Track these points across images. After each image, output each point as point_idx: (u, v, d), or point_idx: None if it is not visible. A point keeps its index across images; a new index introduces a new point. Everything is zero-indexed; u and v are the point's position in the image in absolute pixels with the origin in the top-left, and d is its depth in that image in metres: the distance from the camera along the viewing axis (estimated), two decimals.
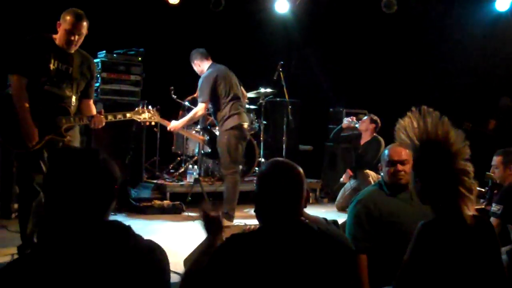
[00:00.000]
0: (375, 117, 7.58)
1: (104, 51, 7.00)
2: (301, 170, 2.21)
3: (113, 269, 1.72)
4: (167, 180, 7.48)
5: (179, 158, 7.89)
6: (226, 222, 5.88)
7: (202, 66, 6.31)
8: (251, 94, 8.20)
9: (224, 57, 6.83)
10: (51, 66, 4.17)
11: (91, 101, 4.55)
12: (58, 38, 4.20)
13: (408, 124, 2.60)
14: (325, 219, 3.36)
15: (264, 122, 8.32)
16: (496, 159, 4.60)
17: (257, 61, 9.17)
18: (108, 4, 7.68)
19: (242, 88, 6.55)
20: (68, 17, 4.15)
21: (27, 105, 4.05)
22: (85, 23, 4.20)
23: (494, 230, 2.60)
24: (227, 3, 8.55)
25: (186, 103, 7.59)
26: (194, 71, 6.66)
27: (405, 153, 3.45)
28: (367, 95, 9.50)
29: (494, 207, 4.30)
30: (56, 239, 1.73)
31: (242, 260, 2.01)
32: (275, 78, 7.90)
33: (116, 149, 6.77)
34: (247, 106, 7.88)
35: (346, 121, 7.78)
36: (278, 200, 2.13)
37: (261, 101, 8.27)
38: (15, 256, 4.08)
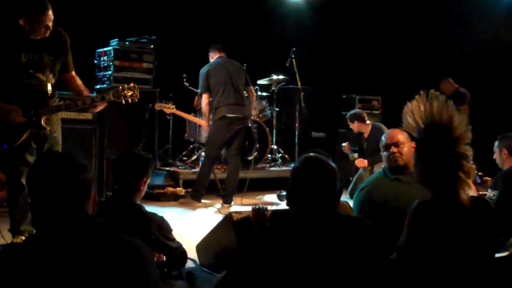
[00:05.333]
0: (351, 115, 7.40)
1: (116, 39, 7.02)
2: (333, 164, 2.27)
3: (90, 263, 1.76)
4: (180, 167, 7.52)
5: (191, 146, 7.93)
6: (191, 200, 6.49)
7: (212, 58, 6.74)
8: (263, 81, 8.23)
9: (236, 44, 6.88)
10: (22, 60, 4.07)
11: (73, 73, 4.37)
12: (26, 27, 4.02)
13: (415, 108, 2.66)
14: (347, 202, 3.41)
15: (277, 109, 8.32)
16: (495, 145, 4.67)
17: (269, 48, 9.16)
18: None
19: (251, 87, 6.83)
20: (33, 7, 3.98)
21: None
22: (50, 12, 4.01)
23: (492, 212, 2.62)
24: None
25: (199, 90, 7.61)
26: (205, 58, 6.77)
27: (399, 136, 3.49)
28: (379, 81, 9.46)
29: (490, 193, 4.32)
30: (37, 234, 1.86)
31: (274, 251, 2.07)
32: (287, 65, 7.89)
33: (129, 137, 6.82)
34: (259, 93, 7.95)
35: (345, 146, 7.68)
36: (311, 194, 2.18)
37: (273, 88, 8.26)
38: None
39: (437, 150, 2.54)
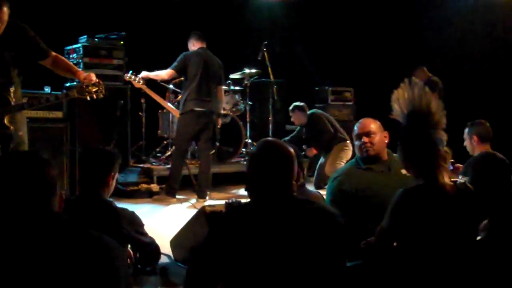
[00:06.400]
0: (291, 107, 7.65)
1: (85, 36, 6.92)
2: (290, 149, 2.26)
3: (55, 261, 1.73)
4: (154, 164, 7.47)
5: (165, 142, 7.87)
6: (166, 196, 6.47)
7: (194, 46, 6.71)
8: (236, 75, 8.21)
9: (208, 38, 6.82)
10: None
11: (53, 54, 4.23)
12: None
13: (401, 95, 2.72)
14: (319, 193, 3.41)
15: (250, 103, 8.31)
16: (465, 132, 4.73)
17: (241, 41, 9.12)
18: None
19: (221, 87, 6.91)
20: None
21: None
22: (5, 9, 3.88)
23: (475, 197, 2.65)
24: None
25: (171, 86, 7.57)
26: (177, 54, 6.70)
27: (371, 125, 3.51)
28: (352, 73, 9.50)
29: (460, 179, 4.39)
30: (1, 233, 1.82)
31: (238, 232, 2.09)
32: (259, 58, 7.88)
33: (101, 134, 6.74)
34: (231, 87, 7.94)
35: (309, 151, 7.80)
36: (268, 178, 2.18)
37: (246, 82, 8.25)
38: None
39: (419, 135, 2.61)
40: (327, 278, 2.13)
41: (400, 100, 2.71)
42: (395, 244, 2.62)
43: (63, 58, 4.34)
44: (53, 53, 4.27)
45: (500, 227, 3.07)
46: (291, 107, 7.66)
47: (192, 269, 2.18)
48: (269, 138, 2.40)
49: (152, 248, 3.45)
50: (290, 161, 2.22)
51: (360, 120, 3.67)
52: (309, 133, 7.63)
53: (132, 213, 3.33)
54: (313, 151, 7.50)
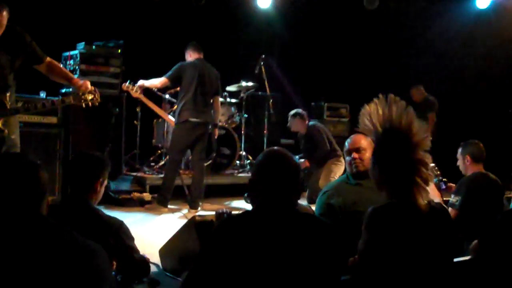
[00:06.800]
0: (292, 112, 7.57)
1: (83, 43, 6.92)
2: (296, 160, 2.27)
3: (40, 265, 1.73)
4: (147, 172, 7.45)
5: (159, 151, 7.85)
6: (158, 206, 6.48)
7: (191, 57, 6.70)
8: (232, 88, 8.22)
9: (205, 50, 6.83)
10: None
11: (48, 60, 4.27)
12: None
13: (373, 111, 2.63)
14: (309, 206, 3.42)
15: (245, 115, 8.32)
16: (458, 151, 4.73)
17: (238, 55, 9.15)
18: None
19: (218, 97, 6.88)
20: None
21: None
22: (5, 13, 3.93)
23: (450, 217, 2.64)
24: None
25: (167, 96, 7.58)
26: (175, 63, 6.71)
27: (362, 141, 3.52)
28: (348, 89, 9.53)
29: (453, 199, 4.39)
30: None
31: (235, 243, 2.06)
32: (256, 71, 7.91)
33: (95, 141, 6.72)
34: (228, 99, 7.96)
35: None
36: (272, 188, 2.17)
37: (242, 94, 8.26)
38: None
39: (394, 155, 2.53)
40: None
41: (372, 116, 2.62)
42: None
43: (58, 64, 4.37)
44: (49, 59, 4.29)
45: (490, 247, 3.06)
46: (292, 112, 7.57)
47: (189, 281, 2.13)
48: (276, 147, 2.38)
49: (140, 260, 3.30)
50: (295, 172, 2.22)
51: (351, 136, 3.68)
52: (305, 144, 7.60)
53: (121, 223, 3.18)
54: (306, 164, 7.45)
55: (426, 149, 2.57)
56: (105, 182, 3.11)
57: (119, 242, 3.09)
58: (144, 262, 3.40)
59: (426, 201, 2.50)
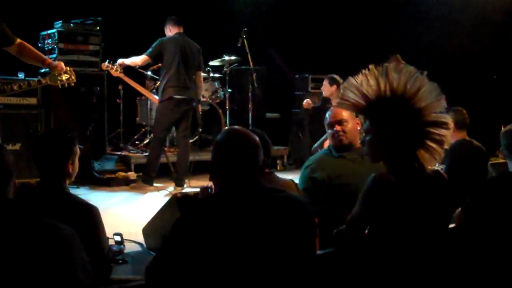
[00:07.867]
0: (334, 76, 7.30)
1: (61, 21, 6.81)
2: (255, 137, 2.22)
3: (8, 248, 1.69)
4: (132, 151, 7.39)
5: (143, 129, 7.79)
6: (143, 184, 6.45)
7: (170, 32, 6.59)
8: (215, 62, 8.13)
9: (186, 24, 6.73)
10: None
11: (17, 41, 4.14)
12: None
13: (362, 83, 2.55)
14: (293, 180, 3.38)
15: (230, 90, 8.24)
16: None
17: (221, 28, 9.03)
18: None
19: (200, 72, 6.79)
20: None
21: None
22: None
23: (447, 184, 2.61)
24: None
25: (149, 72, 7.48)
26: (155, 39, 6.60)
27: (343, 113, 3.47)
28: (332, 60, 9.46)
29: (438, 167, 4.36)
30: None
31: (203, 226, 2.03)
32: (239, 45, 7.80)
33: (77, 121, 6.63)
34: (211, 74, 7.87)
35: (305, 102, 7.65)
36: (233, 167, 2.15)
37: (225, 69, 8.17)
38: None
39: (398, 123, 2.47)
40: (296, 266, 2.11)
41: (362, 88, 2.52)
42: (366, 231, 2.59)
43: (29, 46, 4.27)
44: (19, 40, 4.20)
45: (474, 215, 3.05)
46: (330, 75, 7.35)
47: (153, 267, 2.11)
48: (234, 126, 2.37)
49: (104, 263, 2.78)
50: (255, 149, 2.18)
51: (331, 108, 3.64)
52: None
53: (95, 209, 2.78)
54: (309, 103, 7.38)
55: (439, 110, 2.52)
56: (76, 161, 2.87)
57: (91, 229, 2.68)
58: (109, 265, 2.92)
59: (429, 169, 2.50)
